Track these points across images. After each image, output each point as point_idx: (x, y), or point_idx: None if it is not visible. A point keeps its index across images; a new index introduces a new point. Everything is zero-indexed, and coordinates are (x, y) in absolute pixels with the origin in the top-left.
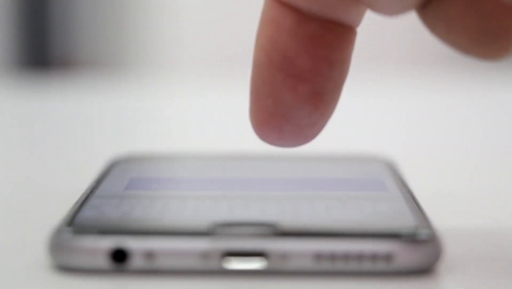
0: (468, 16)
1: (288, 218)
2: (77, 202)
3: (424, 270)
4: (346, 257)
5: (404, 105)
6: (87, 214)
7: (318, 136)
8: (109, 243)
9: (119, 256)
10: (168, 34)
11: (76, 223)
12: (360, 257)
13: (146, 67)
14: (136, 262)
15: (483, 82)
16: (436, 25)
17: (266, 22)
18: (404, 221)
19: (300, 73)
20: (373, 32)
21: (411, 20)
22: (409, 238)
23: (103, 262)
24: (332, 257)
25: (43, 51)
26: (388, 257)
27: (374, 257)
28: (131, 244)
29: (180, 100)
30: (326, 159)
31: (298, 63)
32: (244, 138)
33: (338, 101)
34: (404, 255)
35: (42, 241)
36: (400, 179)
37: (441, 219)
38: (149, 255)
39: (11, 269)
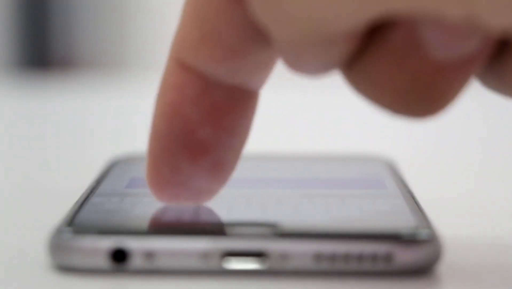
0: (397, 76)
1: (288, 218)
2: (77, 202)
3: (424, 270)
4: (346, 257)
5: None
6: (87, 214)
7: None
8: (109, 243)
9: (119, 256)
10: (167, 34)
11: (76, 223)
12: (360, 257)
13: (146, 67)
14: (136, 262)
15: None
16: (362, 85)
17: (168, 88)
18: (404, 221)
19: (200, 144)
20: None
21: None
22: (409, 238)
23: (103, 262)
24: (332, 257)
25: (43, 51)
26: (388, 257)
27: (374, 257)
28: (131, 244)
29: None
30: (326, 159)
31: (199, 133)
32: None
33: (236, 165)
34: (404, 255)
35: (42, 241)
36: (400, 179)
37: (441, 219)
38: (149, 255)
39: (11, 269)
